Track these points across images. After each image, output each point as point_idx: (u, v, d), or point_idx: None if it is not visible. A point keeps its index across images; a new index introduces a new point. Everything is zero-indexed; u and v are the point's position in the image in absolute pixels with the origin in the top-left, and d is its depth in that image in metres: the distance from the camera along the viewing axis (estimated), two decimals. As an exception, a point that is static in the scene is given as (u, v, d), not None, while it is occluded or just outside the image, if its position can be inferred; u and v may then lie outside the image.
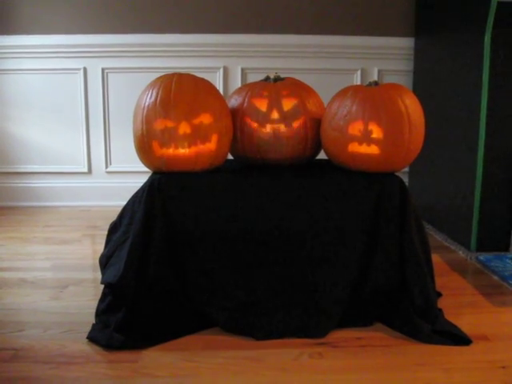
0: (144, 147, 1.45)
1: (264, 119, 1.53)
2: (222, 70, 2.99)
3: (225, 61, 2.99)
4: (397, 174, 1.53)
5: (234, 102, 1.60)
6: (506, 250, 2.14)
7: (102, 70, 2.98)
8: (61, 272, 1.92)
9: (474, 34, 2.09)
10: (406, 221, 1.47)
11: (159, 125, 1.41)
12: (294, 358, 1.30)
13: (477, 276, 1.92)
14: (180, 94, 1.42)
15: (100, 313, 1.47)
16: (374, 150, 1.44)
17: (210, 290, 1.46)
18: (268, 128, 1.53)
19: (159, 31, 2.94)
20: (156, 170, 1.51)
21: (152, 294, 1.44)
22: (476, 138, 2.09)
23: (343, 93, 1.52)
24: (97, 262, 1.68)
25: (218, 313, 1.44)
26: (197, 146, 1.43)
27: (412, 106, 1.45)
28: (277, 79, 1.61)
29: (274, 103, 1.53)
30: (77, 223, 2.69)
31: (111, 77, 2.99)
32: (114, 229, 1.61)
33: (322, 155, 1.65)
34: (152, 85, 1.47)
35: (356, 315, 1.48)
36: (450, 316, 1.50)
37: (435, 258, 1.80)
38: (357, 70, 3.02)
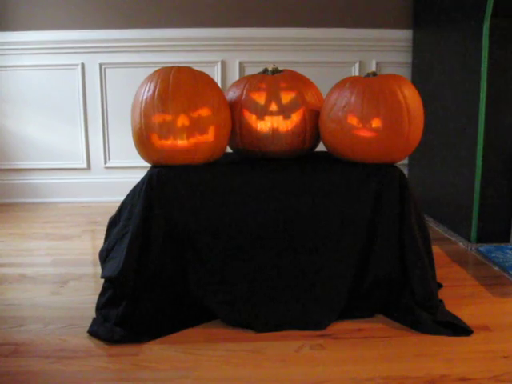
0: (142, 141, 1.45)
1: (262, 111, 1.52)
2: (219, 64, 2.98)
3: (223, 55, 2.98)
4: (396, 165, 1.53)
5: (232, 94, 1.59)
6: (507, 240, 2.14)
7: (100, 65, 2.97)
8: (61, 267, 1.92)
9: (473, 24, 2.08)
10: (405, 212, 1.46)
11: (157, 118, 1.41)
12: (295, 349, 1.30)
13: (477, 267, 1.92)
14: (178, 87, 1.42)
15: (100, 307, 1.47)
16: (373, 140, 1.43)
17: (210, 283, 1.46)
18: (266, 120, 1.52)
19: (157, 26, 2.92)
20: (155, 164, 1.50)
21: (152, 288, 1.44)
22: (475, 129, 2.08)
23: (341, 84, 1.51)
24: (97, 257, 1.68)
25: (219, 306, 1.44)
26: (195, 139, 1.42)
27: (411, 97, 1.44)
28: (275, 71, 1.60)
29: (273, 95, 1.52)
30: (76, 219, 2.68)
31: (109, 72, 2.98)
32: (113, 223, 1.61)
33: (321, 147, 1.65)
34: (150, 78, 1.46)
35: (357, 307, 1.48)
36: (451, 307, 1.51)
37: (436, 249, 1.79)
38: (355, 62, 3.01)
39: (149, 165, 1.54)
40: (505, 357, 1.25)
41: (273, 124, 1.52)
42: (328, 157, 1.62)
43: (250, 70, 2.90)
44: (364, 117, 1.42)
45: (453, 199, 2.35)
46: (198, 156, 1.46)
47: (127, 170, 3.04)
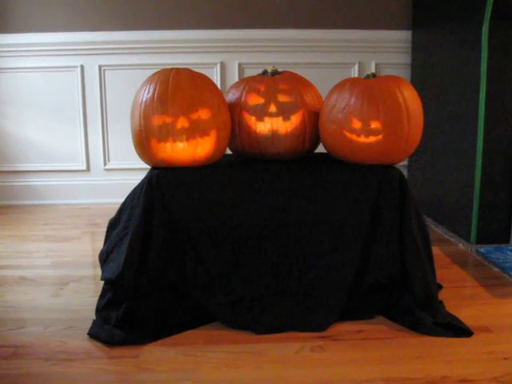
0: (142, 143, 1.45)
1: (262, 113, 1.52)
2: (219, 66, 2.98)
3: (222, 56, 2.98)
4: (396, 166, 1.53)
5: (231, 96, 1.59)
6: (507, 241, 2.14)
7: (99, 67, 2.97)
8: (61, 269, 1.92)
9: (472, 25, 2.08)
10: (405, 213, 1.46)
11: (157, 120, 1.41)
12: (296, 351, 1.30)
13: (477, 268, 1.92)
14: (178, 88, 1.42)
15: (100, 309, 1.47)
16: (372, 142, 1.43)
17: (210, 284, 1.46)
18: (266, 122, 1.52)
19: (156, 28, 2.93)
20: (154, 166, 1.50)
21: (152, 289, 1.44)
22: (475, 129, 2.08)
23: (341, 85, 1.51)
24: (97, 259, 1.68)
25: (219, 307, 1.44)
26: (195, 141, 1.42)
27: (410, 98, 1.44)
28: (274, 73, 1.60)
29: (272, 97, 1.52)
30: (76, 221, 2.68)
31: (108, 74, 2.99)
32: (113, 225, 1.61)
33: (320, 149, 1.65)
34: (149, 80, 1.46)
35: (357, 308, 1.48)
36: (451, 308, 1.50)
37: (435, 250, 1.80)
38: (354, 63, 3.01)
39: (148, 167, 1.54)
40: (505, 358, 1.25)
41: (272, 125, 1.52)
42: (328, 158, 1.62)
43: (250, 72, 2.91)
44: (364, 118, 1.42)
45: (452, 200, 2.35)
46: (198, 158, 1.46)
47: (127, 171, 3.04)
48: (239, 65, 2.99)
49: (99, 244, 1.76)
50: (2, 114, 3.00)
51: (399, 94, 1.42)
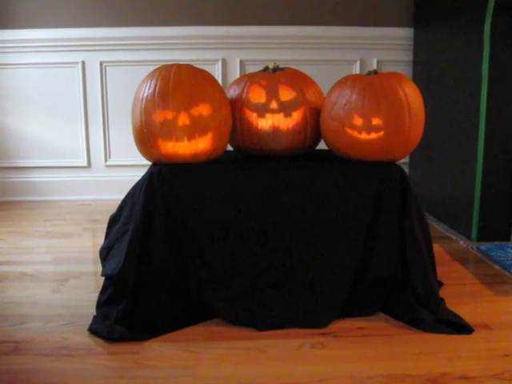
0: (143, 139, 1.44)
1: (263, 109, 1.52)
2: (220, 63, 2.98)
3: (223, 53, 2.98)
4: (397, 163, 1.53)
5: (233, 92, 1.59)
6: (508, 239, 2.14)
7: (101, 63, 2.97)
8: (61, 265, 1.92)
9: (474, 22, 2.08)
10: (406, 209, 1.46)
11: (158, 116, 1.40)
12: (296, 348, 1.30)
13: (478, 265, 1.92)
14: (179, 84, 1.41)
15: (101, 305, 1.47)
16: (374, 138, 1.43)
17: (211, 281, 1.46)
18: (267, 118, 1.52)
19: (157, 24, 2.92)
20: (155, 162, 1.50)
21: (152, 286, 1.44)
22: (476, 127, 2.08)
23: (342, 82, 1.51)
24: (97, 255, 1.68)
25: (219, 303, 1.44)
26: (196, 137, 1.42)
27: (412, 95, 1.44)
28: (276, 69, 1.60)
29: (273, 93, 1.52)
30: (77, 217, 2.68)
31: (109, 70, 2.98)
32: (113, 221, 1.61)
33: (322, 145, 1.65)
34: (150, 76, 1.46)
35: (358, 305, 1.48)
36: (452, 305, 1.50)
37: (436, 247, 1.79)
38: (356, 60, 3.01)
39: (149, 163, 1.54)
40: (506, 355, 1.25)
41: (273, 122, 1.52)
42: (329, 155, 1.62)
43: (251, 68, 2.90)
44: (365, 115, 1.42)
45: (454, 197, 2.35)
46: (199, 154, 1.46)
47: (128, 168, 3.04)
48: (241, 61, 2.99)
49: (100, 240, 1.76)
50: (3, 110, 3.00)
51: (401, 91, 1.42)
